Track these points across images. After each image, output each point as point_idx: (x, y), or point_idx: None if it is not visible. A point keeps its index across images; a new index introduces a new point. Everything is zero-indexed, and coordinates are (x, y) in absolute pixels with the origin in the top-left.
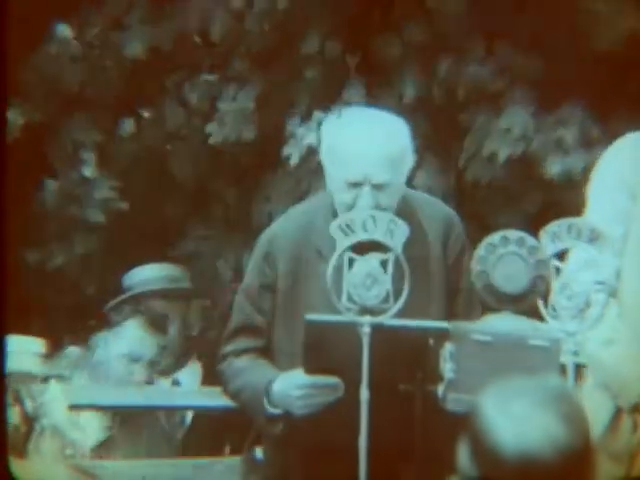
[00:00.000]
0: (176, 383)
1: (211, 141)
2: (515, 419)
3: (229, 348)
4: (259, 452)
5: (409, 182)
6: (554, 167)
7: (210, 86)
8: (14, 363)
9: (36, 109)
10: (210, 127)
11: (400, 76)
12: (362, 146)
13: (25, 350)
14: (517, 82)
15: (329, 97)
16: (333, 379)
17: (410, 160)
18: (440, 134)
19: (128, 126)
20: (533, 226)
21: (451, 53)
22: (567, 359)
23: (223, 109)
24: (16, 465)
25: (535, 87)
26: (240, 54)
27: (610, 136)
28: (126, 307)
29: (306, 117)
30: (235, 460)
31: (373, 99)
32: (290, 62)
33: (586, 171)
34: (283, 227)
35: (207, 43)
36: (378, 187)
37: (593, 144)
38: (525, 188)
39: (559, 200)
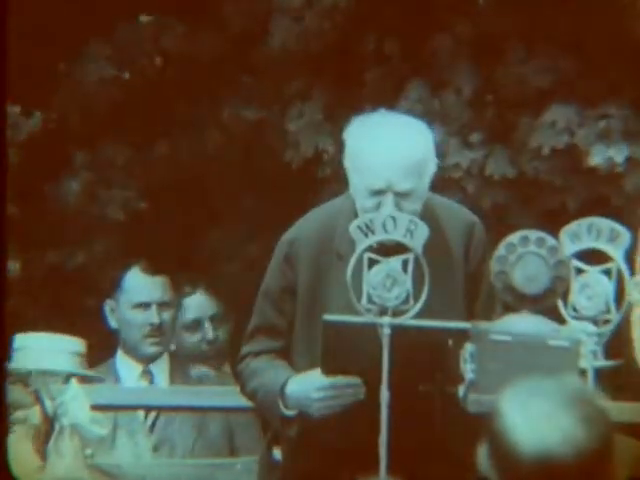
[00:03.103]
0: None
1: (294, 165)
2: (533, 419)
3: (247, 349)
4: (277, 453)
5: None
6: (597, 158)
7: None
8: (50, 362)
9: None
10: (287, 154)
11: (456, 73)
12: (385, 153)
13: (64, 349)
14: (559, 81)
15: (390, 98)
16: (354, 380)
17: (433, 165)
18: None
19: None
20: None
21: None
22: (587, 360)
23: (294, 128)
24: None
25: (577, 86)
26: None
27: None
28: None
29: None
30: (254, 460)
31: (433, 96)
32: (350, 65)
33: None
34: (304, 229)
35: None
36: (401, 195)
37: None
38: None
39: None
